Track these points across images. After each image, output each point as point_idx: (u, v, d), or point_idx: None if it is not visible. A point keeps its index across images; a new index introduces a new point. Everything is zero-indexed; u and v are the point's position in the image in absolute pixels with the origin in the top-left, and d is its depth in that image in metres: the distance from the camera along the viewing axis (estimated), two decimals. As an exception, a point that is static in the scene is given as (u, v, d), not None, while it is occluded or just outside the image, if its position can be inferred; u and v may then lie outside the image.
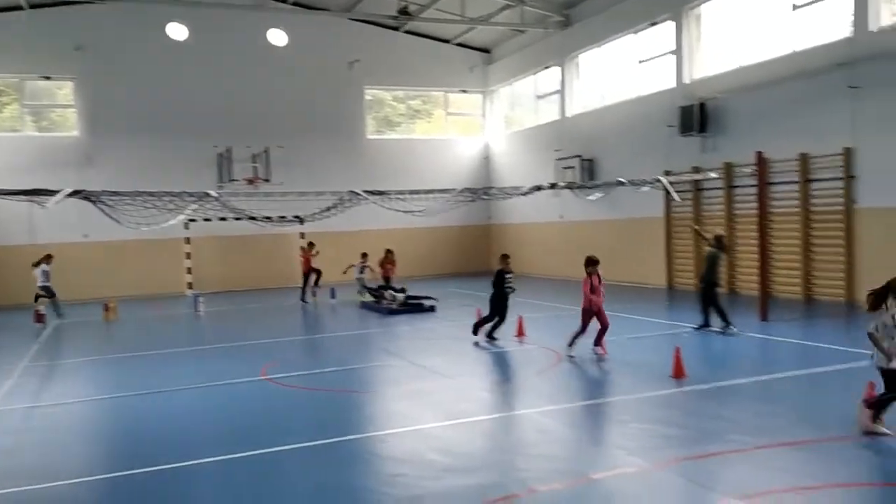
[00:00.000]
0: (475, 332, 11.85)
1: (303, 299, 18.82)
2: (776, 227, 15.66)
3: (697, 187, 17.77)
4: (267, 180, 22.21)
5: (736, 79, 16.64)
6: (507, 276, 11.63)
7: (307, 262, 19.13)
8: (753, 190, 14.14)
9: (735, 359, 10.09)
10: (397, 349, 11.71)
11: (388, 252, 19.05)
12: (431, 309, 16.07)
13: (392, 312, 15.81)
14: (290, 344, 12.84)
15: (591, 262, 10.44)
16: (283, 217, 15.25)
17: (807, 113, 14.95)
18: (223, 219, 15.43)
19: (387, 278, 18.46)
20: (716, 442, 6.22)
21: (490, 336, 11.66)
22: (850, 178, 14.23)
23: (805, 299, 15.15)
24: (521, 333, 11.99)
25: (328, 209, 13.61)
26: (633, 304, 15.34)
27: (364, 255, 18.93)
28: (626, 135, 20.00)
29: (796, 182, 15.28)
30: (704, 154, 17.45)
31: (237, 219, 14.20)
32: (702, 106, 17.21)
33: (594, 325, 10.22)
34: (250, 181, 22.29)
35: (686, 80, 18.05)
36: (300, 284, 19.29)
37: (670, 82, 18.56)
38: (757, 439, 6.16)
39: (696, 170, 17.25)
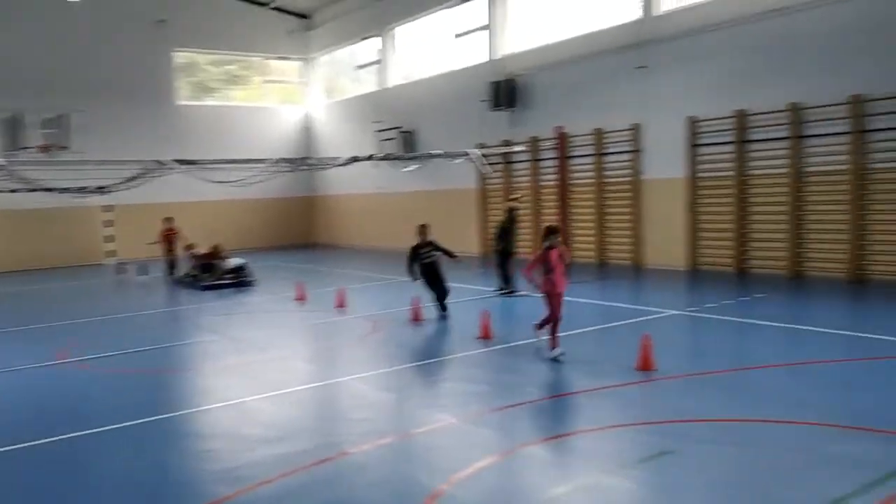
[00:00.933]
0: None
1: (172, 275, 17.06)
2: (576, 196, 17.00)
3: (507, 160, 18.79)
4: (65, 148, 20.40)
5: (541, 56, 17.70)
6: (423, 251, 10.75)
7: (168, 237, 17.35)
8: (556, 162, 15.24)
9: (535, 318, 10.96)
10: (214, 325, 11.47)
11: (167, 220, 17.51)
12: (250, 283, 15.80)
13: (209, 287, 15.33)
14: (98, 325, 12.11)
15: (551, 233, 8.30)
16: (83, 188, 14.18)
17: (602, 90, 16.28)
18: (14, 191, 14.09)
19: (171, 251, 17.21)
20: (517, 395, 6.81)
21: (441, 308, 10.77)
22: (636, 152, 15.77)
23: (600, 263, 16.66)
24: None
25: (131, 179, 12.86)
26: (447, 272, 16.03)
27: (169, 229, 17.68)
28: (443, 108, 20.62)
29: (592, 155, 16.66)
30: (513, 128, 18.46)
31: (31, 191, 13.03)
32: (510, 81, 18.16)
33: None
34: (44, 149, 20.37)
35: (497, 56, 18.91)
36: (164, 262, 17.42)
37: (483, 57, 19.35)
38: (551, 391, 6.84)
39: (506, 143, 18.24)
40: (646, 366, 7.39)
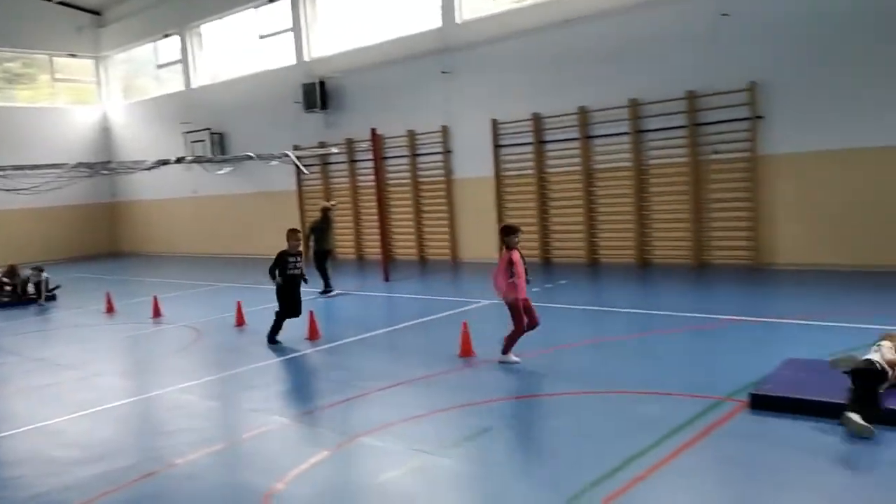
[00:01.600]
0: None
1: None
2: (393, 196, 17.48)
3: (324, 161, 18.86)
4: None
5: (351, 59, 17.94)
6: (291, 259, 9.38)
7: None
8: (371, 163, 15.55)
9: (363, 316, 11.23)
10: (13, 345, 10.54)
11: None
12: (53, 297, 14.60)
13: (6, 305, 14.04)
14: None
15: (511, 232, 7.42)
16: None
17: (412, 93, 16.86)
18: None
19: None
20: (345, 390, 7.01)
21: (271, 339, 9.26)
22: (447, 152, 16.54)
23: (420, 260, 17.27)
24: (157, 314, 11.68)
25: None
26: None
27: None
28: (255, 109, 20.23)
29: (406, 156, 17.22)
30: (328, 130, 18.56)
31: None
32: (322, 84, 18.23)
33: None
34: None
35: (306, 58, 18.88)
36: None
37: (292, 59, 19.23)
38: (379, 383, 7.12)
39: (322, 145, 18.30)
40: (466, 352, 7.93)
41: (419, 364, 7.77)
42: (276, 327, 9.33)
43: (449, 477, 4.99)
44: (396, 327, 10.05)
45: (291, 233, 9.58)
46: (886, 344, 5.61)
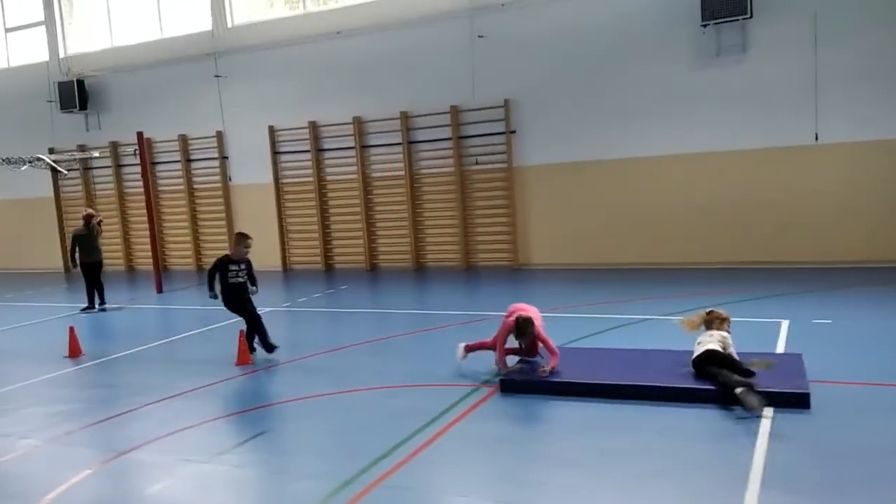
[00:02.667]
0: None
1: None
2: (165, 203, 16.74)
3: (86, 166, 17.55)
4: None
5: (114, 58, 16.91)
6: (233, 268, 8.29)
7: None
8: (140, 168, 14.80)
9: (133, 330, 10.72)
10: None
11: None
12: None
13: None
14: None
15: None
16: None
17: (184, 97, 16.29)
18: None
19: None
20: (111, 408, 6.76)
21: (266, 345, 8.29)
22: (224, 158, 16.21)
23: (198, 269, 16.72)
24: None
25: None
26: (25, 291, 14.49)
27: None
28: (1, 108, 18.27)
29: (178, 161, 16.59)
30: (90, 132, 17.31)
31: None
32: (81, 83, 16.97)
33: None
34: None
35: (62, 55, 17.46)
36: None
37: (45, 55, 17.67)
38: (149, 397, 6.95)
39: (82, 148, 17.02)
40: (243, 360, 7.97)
41: (194, 375, 7.67)
42: (248, 333, 8.30)
43: (221, 482, 5.08)
44: (171, 339, 9.76)
45: (240, 237, 8.43)
46: (717, 334, 6.15)
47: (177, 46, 16.16)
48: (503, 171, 13.56)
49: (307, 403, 6.60)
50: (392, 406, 6.30)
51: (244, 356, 8.01)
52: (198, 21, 16.08)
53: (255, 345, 8.35)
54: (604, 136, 12.64)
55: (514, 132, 13.30)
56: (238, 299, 8.33)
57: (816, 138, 11.14)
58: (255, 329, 8.31)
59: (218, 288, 8.29)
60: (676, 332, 6.71)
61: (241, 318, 8.47)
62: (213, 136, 16.16)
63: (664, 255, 12.29)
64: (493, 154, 13.62)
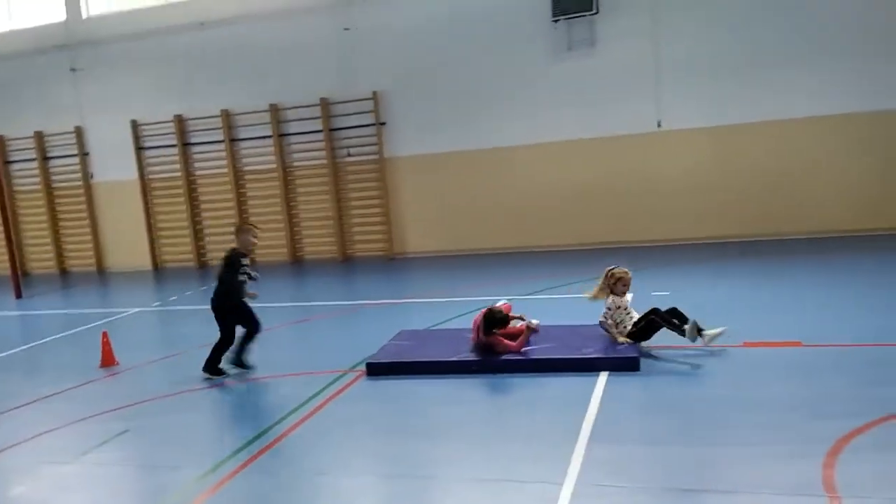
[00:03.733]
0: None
1: None
2: (23, 205, 15.90)
3: (-72, 166, 16.36)
4: None
5: (-43, 50, 15.84)
6: (245, 264, 7.08)
7: None
8: (-8, 169, 14.07)
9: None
10: None
11: None
12: None
13: None
14: None
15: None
16: None
17: (39, 92, 15.49)
18: None
19: None
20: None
21: (239, 362, 7.17)
22: (84, 155, 15.56)
23: (61, 272, 16.00)
24: None
25: None
26: None
27: None
28: None
29: (35, 160, 15.78)
30: (-70, 130, 16.15)
31: None
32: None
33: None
34: None
35: None
36: None
37: None
38: (8, 404, 6.79)
39: (-76, 148, 15.85)
40: (107, 362, 7.87)
41: (57, 379, 7.52)
42: (240, 344, 7.19)
43: (83, 481, 5.11)
44: (32, 345, 9.43)
45: (247, 227, 7.33)
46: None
47: (28, 38, 15.32)
48: (375, 163, 13.83)
49: (175, 399, 6.66)
50: (261, 396, 6.49)
51: (108, 358, 7.91)
52: (51, 11, 15.30)
53: (226, 360, 7.22)
54: (468, 127, 13.14)
55: (384, 124, 13.59)
56: (241, 299, 7.19)
57: (659, 125, 12.12)
58: (252, 336, 7.23)
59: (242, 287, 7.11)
60: (527, 310, 7.28)
61: (98, 323, 8.33)
62: (72, 133, 15.47)
63: (527, 239, 12.97)
64: (364, 146, 13.86)
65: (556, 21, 12.05)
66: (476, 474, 4.61)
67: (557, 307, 8.74)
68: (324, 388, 6.44)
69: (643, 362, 6.26)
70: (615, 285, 6.83)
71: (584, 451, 4.73)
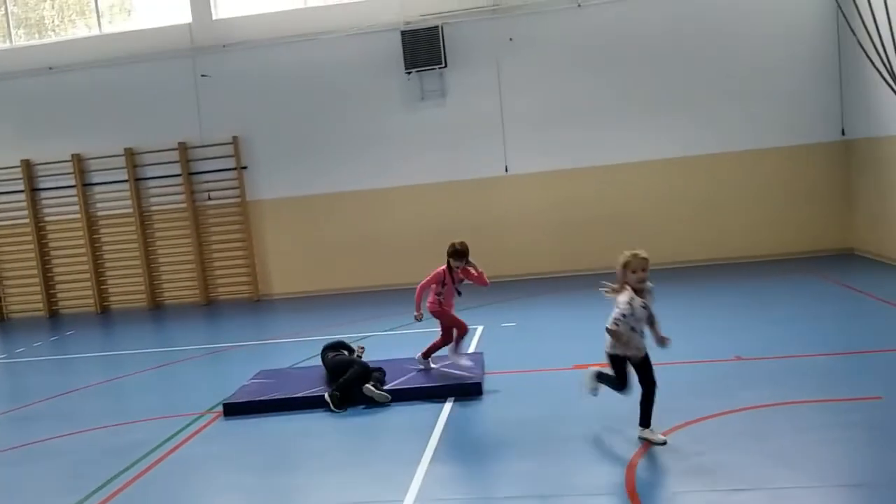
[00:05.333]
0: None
1: None
2: None
3: None
4: None
5: None
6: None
7: None
8: None
9: None
10: None
11: None
12: None
13: None
14: None
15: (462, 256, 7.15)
16: None
17: None
18: None
19: None
20: None
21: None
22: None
23: None
24: None
25: None
26: None
27: None
28: None
29: None
30: None
31: None
32: None
33: None
34: None
35: None
36: None
37: None
38: None
39: None
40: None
41: None
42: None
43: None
44: None
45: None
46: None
47: None
48: (237, 206, 13.90)
49: (24, 451, 6.52)
50: (114, 442, 6.48)
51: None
52: None
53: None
54: (329, 171, 13.53)
55: (245, 168, 13.73)
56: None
57: (507, 169, 13.06)
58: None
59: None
60: (387, 345, 7.73)
61: None
62: None
63: (389, 277, 13.38)
64: (225, 189, 13.91)
65: (408, 73, 12.78)
66: (328, 499, 4.94)
67: (415, 341, 9.23)
68: (179, 431, 6.54)
69: (487, 387, 6.83)
70: (626, 274, 5.03)
71: (426, 469, 5.18)
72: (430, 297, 7.16)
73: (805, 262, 11.94)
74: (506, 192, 13.11)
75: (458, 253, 7.04)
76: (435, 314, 7.19)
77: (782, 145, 12.33)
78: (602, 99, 12.72)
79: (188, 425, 6.67)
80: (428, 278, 7.19)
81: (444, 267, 7.14)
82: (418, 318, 7.16)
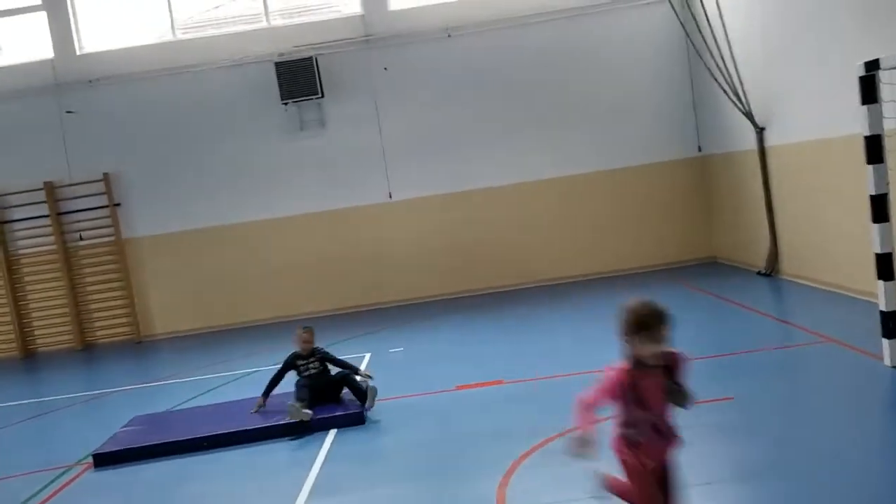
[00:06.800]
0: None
1: None
2: None
3: None
4: None
5: None
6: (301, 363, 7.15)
7: None
8: None
9: None
10: None
11: None
12: None
13: None
14: None
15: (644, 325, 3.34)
16: None
17: None
18: None
19: None
20: None
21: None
22: None
23: None
24: None
25: None
26: None
27: None
28: None
29: None
30: None
31: None
32: None
33: None
34: None
35: None
36: None
37: None
38: None
39: None
40: None
41: None
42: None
43: None
44: None
45: (305, 333, 7.27)
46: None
47: None
48: (111, 245, 13.34)
49: None
50: None
51: None
52: None
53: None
54: (208, 204, 13.21)
55: (118, 205, 13.23)
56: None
57: (391, 196, 13.22)
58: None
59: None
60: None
61: None
62: None
63: (274, 310, 13.21)
64: (98, 228, 13.34)
65: (285, 104, 12.75)
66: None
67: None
68: (44, 487, 6.22)
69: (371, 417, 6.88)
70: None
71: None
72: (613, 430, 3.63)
73: (671, 272, 12.70)
74: (390, 218, 13.24)
75: (646, 321, 3.37)
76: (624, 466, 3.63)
77: (645, 163, 13.11)
78: (476, 124, 13.09)
79: (54, 479, 6.35)
80: (598, 387, 3.52)
81: (623, 366, 3.47)
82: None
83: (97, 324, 13.65)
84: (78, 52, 13.14)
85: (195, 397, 8.60)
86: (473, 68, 13.03)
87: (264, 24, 13.16)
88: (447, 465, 5.58)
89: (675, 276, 12.30)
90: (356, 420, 6.74)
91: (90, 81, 12.99)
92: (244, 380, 9.20)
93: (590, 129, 13.08)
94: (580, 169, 13.16)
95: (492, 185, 13.18)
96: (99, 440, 7.06)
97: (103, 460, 6.54)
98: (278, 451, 6.39)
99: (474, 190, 13.20)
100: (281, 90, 12.50)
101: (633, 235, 13.15)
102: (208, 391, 8.84)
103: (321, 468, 5.83)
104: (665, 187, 13.12)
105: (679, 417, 3.64)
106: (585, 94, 13.07)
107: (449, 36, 12.88)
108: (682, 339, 3.78)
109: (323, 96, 12.69)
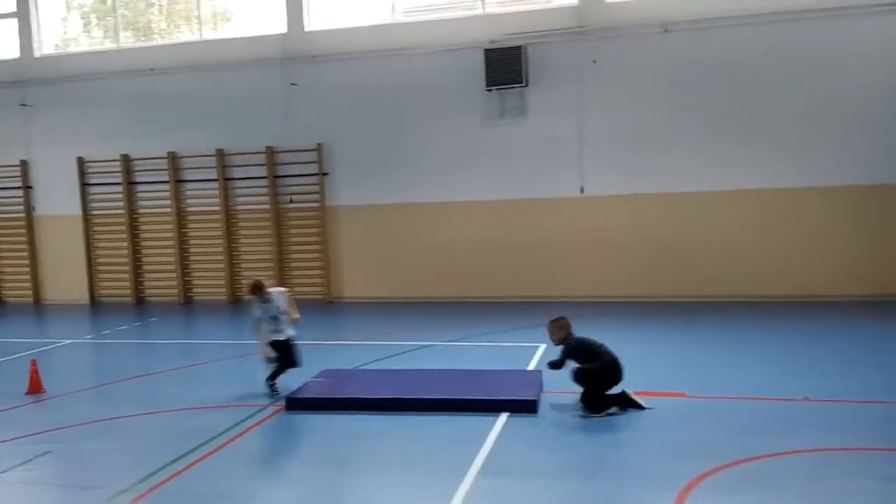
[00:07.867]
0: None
1: None
2: None
3: None
4: None
5: None
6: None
7: None
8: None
9: None
10: None
11: None
12: None
13: None
14: None
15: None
16: None
17: (-13, 124, 15.72)
18: None
19: None
20: None
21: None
22: (28, 188, 15.74)
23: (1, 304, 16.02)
24: None
25: None
26: None
27: None
28: None
29: (-22, 190, 15.90)
30: None
31: None
32: None
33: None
34: None
35: None
36: None
37: None
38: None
39: None
40: (34, 389, 8.11)
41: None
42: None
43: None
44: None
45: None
46: None
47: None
48: (316, 210, 14.37)
49: (101, 425, 6.97)
50: (184, 425, 6.84)
51: (35, 385, 8.14)
52: (4, 48, 15.62)
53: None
54: (406, 181, 13.82)
55: (326, 174, 14.20)
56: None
57: (582, 191, 13.02)
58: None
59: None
60: (447, 355, 7.84)
61: (29, 352, 8.57)
62: (17, 166, 15.65)
63: (458, 290, 13.55)
64: (307, 193, 14.41)
65: (489, 90, 12.95)
66: (373, 499, 5.09)
67: (475, 354, 9.34)
68: (243, 420, 6.84)
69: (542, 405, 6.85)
70: None
71: (471, 482, 5.26)
72: None
73: None
74: (580, 213, 13.06)
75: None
76: None
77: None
78: (681, 125, 12.53)
79: (251, 415, 6.97)
80: None
81: None
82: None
83: (296, 281, 14.75)
84: (306, 29, 14.18)
85: (379, 360, 9.04)
86: (689, 67, 12.45)
87: (480, 10, 13.43)
88: (620, 470, 5.42)
89: None
90: (528, 407, 6.74)
91: (314, 57, 13.98)
92: (420, 352, 9.53)
93: (805, 140, 12.05)
94: (788, 183, 12.18)
95: (688, 190, 12.56)
96: (289, 385, 7.66)
97: (294, 405, 7.07)
98: (449, 424, 6.53)
99: (672, 192, 12.64)
100: (487, 76, 12.71)
101: (847, 259, 11.98)
102: (390, 357, 9.25)
103: (492, 448, 5.88)
104: None
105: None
106: (809, 101, 12.03)
107: (665, 31, 12.39)
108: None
109: (526, 85, 12.73)
